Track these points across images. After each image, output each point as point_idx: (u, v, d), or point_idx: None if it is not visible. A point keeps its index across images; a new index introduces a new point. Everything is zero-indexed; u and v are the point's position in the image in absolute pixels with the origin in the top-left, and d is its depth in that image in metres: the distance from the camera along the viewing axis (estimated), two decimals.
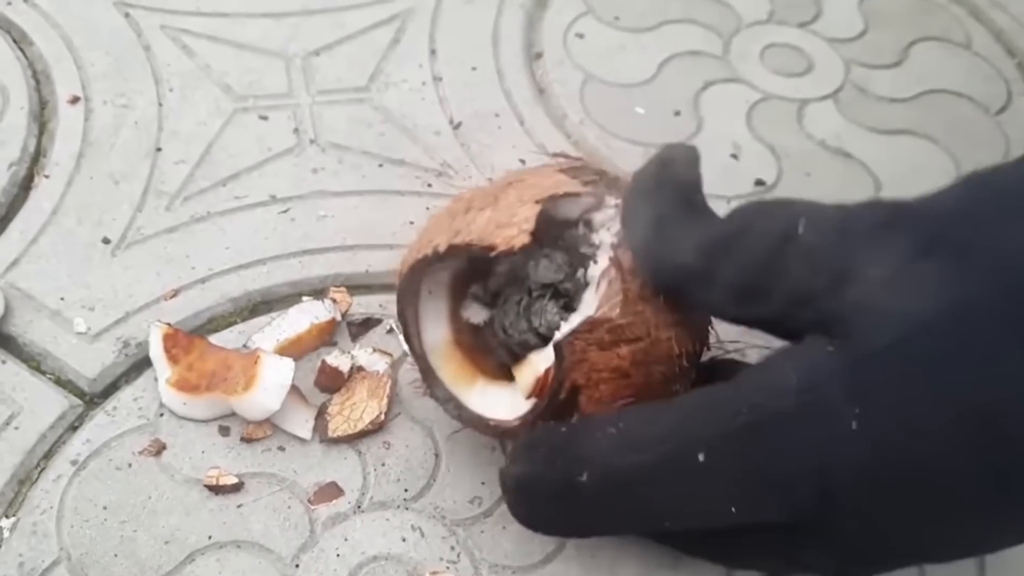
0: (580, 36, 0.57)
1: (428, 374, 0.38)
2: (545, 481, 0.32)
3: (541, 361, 0.34)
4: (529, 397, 0.35)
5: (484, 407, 0.37)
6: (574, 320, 0.34)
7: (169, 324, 0.42)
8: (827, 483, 0.28)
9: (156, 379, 0.41)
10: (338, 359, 0.42)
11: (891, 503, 0.28)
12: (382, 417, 0.40)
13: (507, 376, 0.37)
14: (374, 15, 0.56)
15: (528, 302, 0.35)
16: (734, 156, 0.52)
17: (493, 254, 0.34)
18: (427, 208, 0.48)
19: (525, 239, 0.33)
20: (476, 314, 0.37)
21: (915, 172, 0.52)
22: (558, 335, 0.34)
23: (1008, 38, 0.59)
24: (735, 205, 0.49)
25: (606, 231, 0.34)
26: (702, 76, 0.55)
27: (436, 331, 0.38)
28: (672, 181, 0.33)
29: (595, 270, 0.34)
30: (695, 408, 0.31)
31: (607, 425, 0.31)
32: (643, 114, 0.53)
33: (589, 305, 0.33)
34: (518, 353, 0.36)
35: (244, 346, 0.42)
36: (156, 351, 0.41)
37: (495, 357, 0.37)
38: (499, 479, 0.34)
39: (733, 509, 0.30)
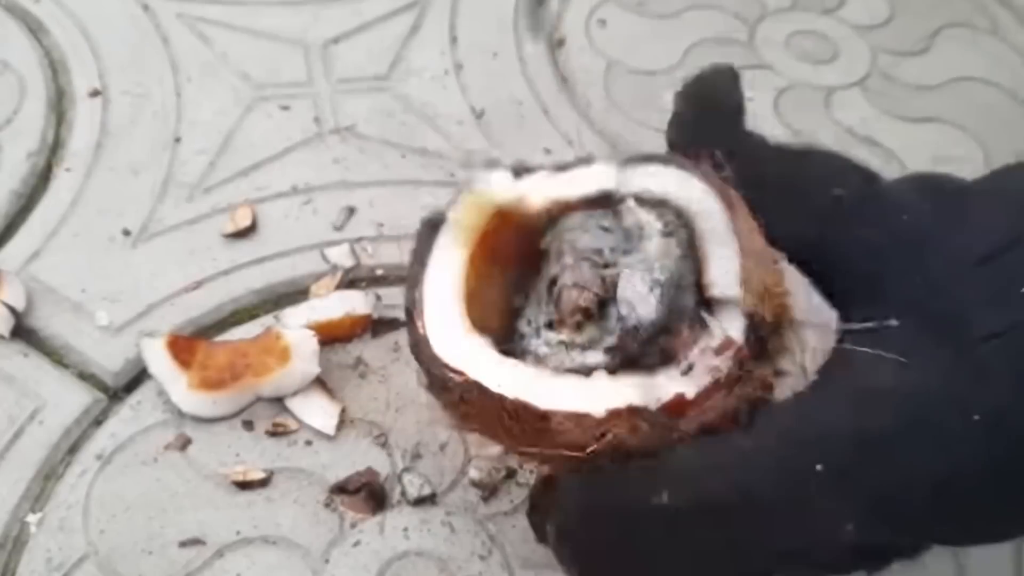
0: (602, 23, 0.56)
1: (414, 283, 0.31)
2: (613, 501, 0.27)
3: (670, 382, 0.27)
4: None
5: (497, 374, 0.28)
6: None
7: (166, 333, 0.40)
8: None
9: (160, 393, 0.40)
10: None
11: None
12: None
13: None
14: (393, 2, 0.55)
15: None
16: None
17: None
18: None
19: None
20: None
21: (943, 159, 0.52)
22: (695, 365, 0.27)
23: None
24: None
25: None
26: (728, 63, 0.54)
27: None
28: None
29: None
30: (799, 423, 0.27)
31: (686, 449, 0.27)
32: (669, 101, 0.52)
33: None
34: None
35: (274, 317, 0.42)
36: (160, 365, 0.40)
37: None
38: (556, 499, 0.28)
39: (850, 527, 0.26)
